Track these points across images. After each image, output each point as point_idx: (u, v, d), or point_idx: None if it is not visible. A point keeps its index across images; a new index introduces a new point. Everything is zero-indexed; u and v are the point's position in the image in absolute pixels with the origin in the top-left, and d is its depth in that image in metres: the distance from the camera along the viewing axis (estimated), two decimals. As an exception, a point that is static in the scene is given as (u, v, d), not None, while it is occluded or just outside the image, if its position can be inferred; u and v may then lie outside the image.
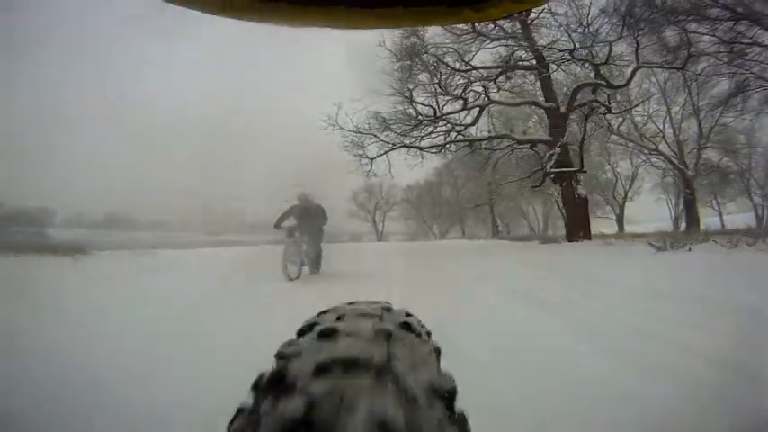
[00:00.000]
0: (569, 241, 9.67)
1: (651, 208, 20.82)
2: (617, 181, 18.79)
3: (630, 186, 18.62)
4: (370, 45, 10.42)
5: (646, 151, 15.77)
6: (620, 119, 13.43)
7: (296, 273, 5.74)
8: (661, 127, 15.44)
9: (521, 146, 10.47)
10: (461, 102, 9.92)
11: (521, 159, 11.80)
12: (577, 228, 9.67)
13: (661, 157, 15.42)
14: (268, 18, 0.39)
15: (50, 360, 2.23)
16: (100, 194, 14.78)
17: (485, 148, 10.59)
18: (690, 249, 5.58)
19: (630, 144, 15.71)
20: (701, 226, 13.77)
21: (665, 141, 15.50)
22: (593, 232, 10.58)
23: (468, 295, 3.90)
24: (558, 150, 9.26)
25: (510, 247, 10.17)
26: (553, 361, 1.89)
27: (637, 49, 10.11)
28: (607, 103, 10.84)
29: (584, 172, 9.60)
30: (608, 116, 11.67)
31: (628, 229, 18.27)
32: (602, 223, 22.56)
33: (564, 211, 10.31)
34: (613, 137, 14.78)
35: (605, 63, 9.51)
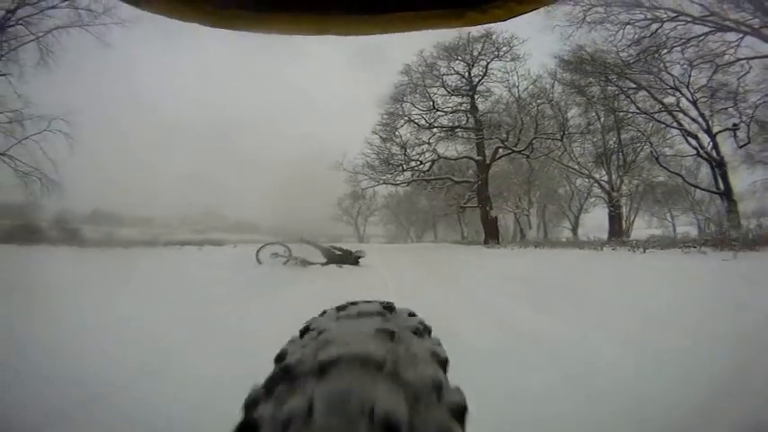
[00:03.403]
0: (485, 245, 17.09)
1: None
2: (573, 195, 23.23)
3: (586, 199, 22.88)
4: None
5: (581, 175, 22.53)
6: (562, 148, 20.37)
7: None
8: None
9: (458, 183, 18.13)
10: (418, 161, 17.84)
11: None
12: (490, 237, 17.18)
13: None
14: (266, 28, 0.41)
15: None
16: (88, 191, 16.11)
17: (435, 185, 18.48)
18: (498, 248, 13.09)
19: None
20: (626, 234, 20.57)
21: (604, 166, 22.26)
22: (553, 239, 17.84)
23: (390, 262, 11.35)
24: (469, 193, 17.02)
25: (448, 247, 17.80)
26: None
27: (536, 126, 17.46)
28: (528, 151, 18.07)
29: (482, 207, 17.17)
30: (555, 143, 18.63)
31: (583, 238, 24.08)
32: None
33: (483, 227, 17.85)
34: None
35: (507, 138, 17.03)
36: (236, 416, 0.47)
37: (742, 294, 4.44)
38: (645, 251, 10.21)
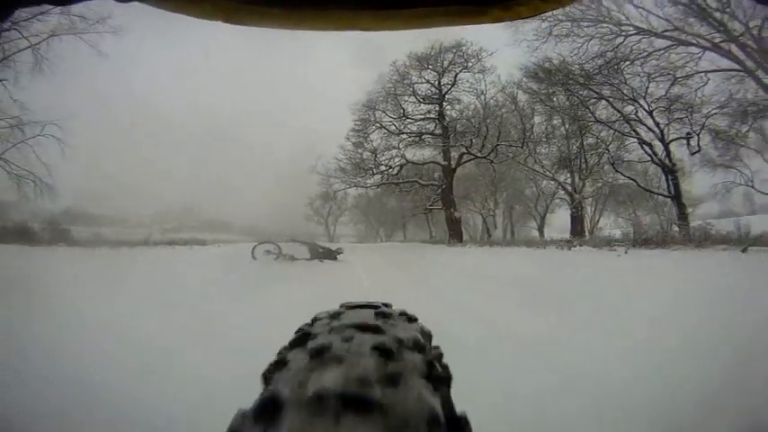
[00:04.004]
0: (448, 244, 18.10)
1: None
2: (539, 197, 23.55)
3: (552, 200, 23.25)
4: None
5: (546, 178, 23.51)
6: (527, 151, 21.36)
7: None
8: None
9: (425, 186, 19.21)
10: (387, 166, 18.92)
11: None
12: (453, 236, 18.23)
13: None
14: (283, 24, 0.41)
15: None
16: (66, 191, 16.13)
17: (404, 188, 19.55)
18: (458, 246, 14.14)
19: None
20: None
21: (567, 170, 23.26)
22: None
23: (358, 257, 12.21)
24: (435, 196, 18.10)
25: (414, 246, 18.79)
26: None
27: (498, 135, 18.59)
28: (492, 156, 19.19)
29: (443, 209, 18.27)
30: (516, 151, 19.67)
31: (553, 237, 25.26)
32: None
33: (448, 227, 18.89)
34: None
35: (470, 146, 18.15)
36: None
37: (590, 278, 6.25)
38: (570, 249, 11.76)
